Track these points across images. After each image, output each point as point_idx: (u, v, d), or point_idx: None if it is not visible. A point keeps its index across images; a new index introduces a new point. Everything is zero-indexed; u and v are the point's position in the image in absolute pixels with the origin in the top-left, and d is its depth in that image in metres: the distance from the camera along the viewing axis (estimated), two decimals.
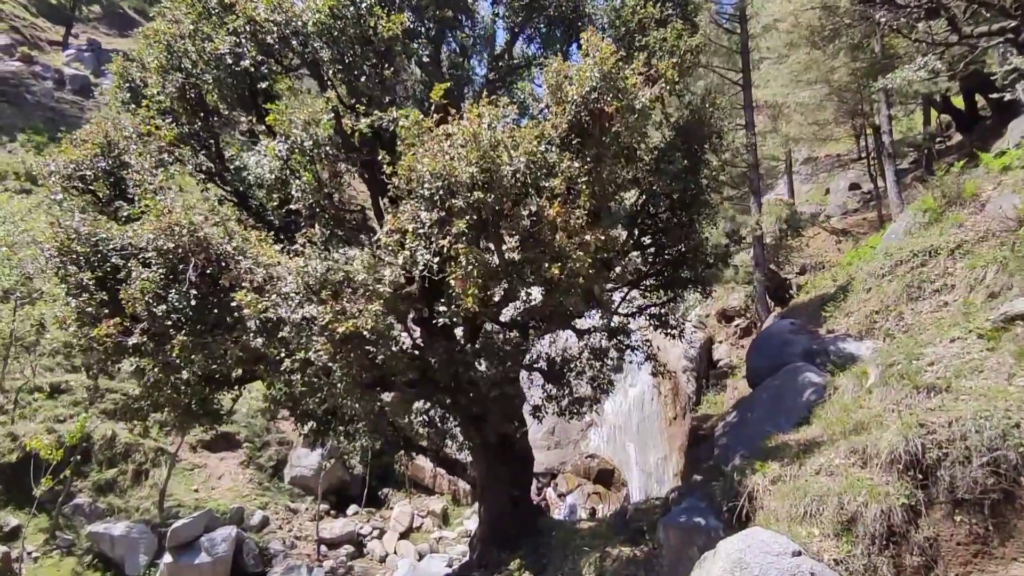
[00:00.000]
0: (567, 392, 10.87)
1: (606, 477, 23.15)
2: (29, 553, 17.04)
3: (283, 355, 7.01)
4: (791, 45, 25.51)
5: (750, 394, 10.95)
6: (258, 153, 7.73)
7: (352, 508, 23.13)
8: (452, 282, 5.84)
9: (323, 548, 20.32)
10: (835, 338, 10.86)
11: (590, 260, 5.87)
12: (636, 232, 11.87)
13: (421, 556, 20.45)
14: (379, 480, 25.21)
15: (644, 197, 10.90)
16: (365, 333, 6.74)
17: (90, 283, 7.39)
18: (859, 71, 21.61)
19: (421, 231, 6.23)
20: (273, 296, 6.94)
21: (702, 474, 9.89)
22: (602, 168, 6.61)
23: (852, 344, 10.36)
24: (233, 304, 6.88)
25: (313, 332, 6.93)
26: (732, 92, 21.75)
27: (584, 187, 5.81)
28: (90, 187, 8.38)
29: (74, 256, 7.58)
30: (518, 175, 5.73)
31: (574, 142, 6.37)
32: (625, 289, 13.58)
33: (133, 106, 9.49)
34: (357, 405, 7.40)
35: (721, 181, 10.82)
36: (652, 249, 12.57)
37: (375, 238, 6.73)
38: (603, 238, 5.84)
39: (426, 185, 6.01)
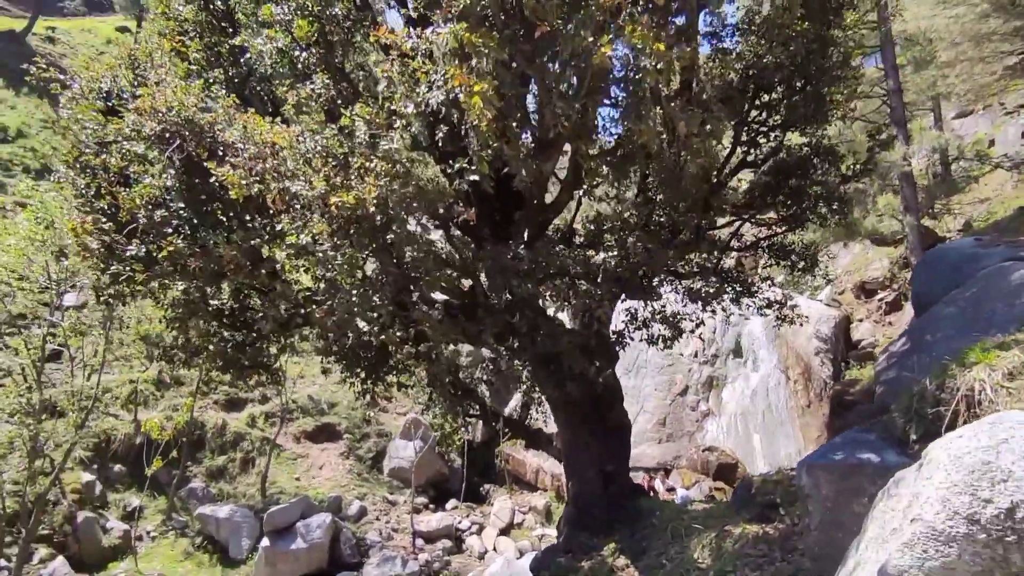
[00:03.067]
0: (657, 309, 8.35)
1: (728, 472, 19.75)
2: (148, 532, 17.38)
3: (284, 248, 5.50)
4: None
5: (922, 317, 7.81)
6: (263, 28, 6.45)
7: (451, 502, 21.73)
8: (461, 99, 3.97)
9: (420, 541, 18.99)
10: None
11: (663, 46, 3.69)
12: (745, 135, 9.23)
13: (521, 554, 18.43)
14: (480, 476, 23.72)
15: (752, 78, 8.28)
16: (371, 209, 5.04)
17: (88, 190, 6.45)
18: None
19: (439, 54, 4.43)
20: (266, 177, 5.48)
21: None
22: None
23: None
24: (219, 187, 5.52)
25: (311, 212, 5.35)
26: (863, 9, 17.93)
27: None
28: (111, 104, 7.59)
29: (79, 167, 6.73)
30: None
31: None
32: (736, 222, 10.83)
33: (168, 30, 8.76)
34: (377, 315, 5.68)
35: (859, 47, 7.97)
36: (767, 164, 9.83)
37: (380, 86, 5.09)
38: None
39: None
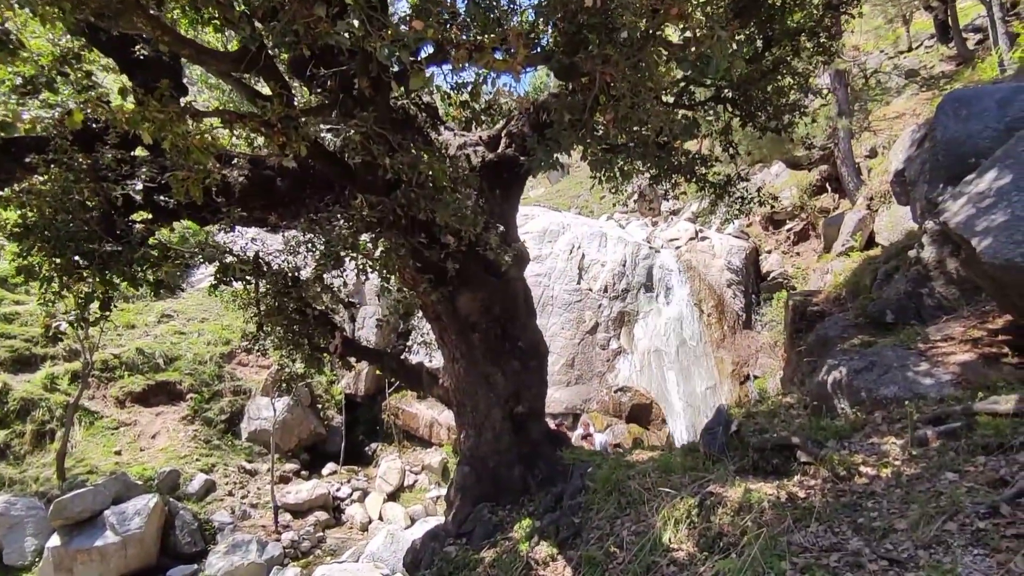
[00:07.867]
0: None
1: (642, 413, 17.83)
2: None
3: None
4: None
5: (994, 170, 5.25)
6: None
7: (329, 467, 18.03)
8: None
9: (286, 516, 15.21)
10: None
11: None
12: None
13: (413, 521, 15.35)
14: (365, 434, 20.13)
15: None
16: None
17: None
18: None
19: None
20: None
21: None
22: None
23: None
24: None
25: None
26: None
27: None
28: None
29: None
30: None
31: None
32: None
33: None
34: None
35: None
36: None
37: None
38: None
39: None
